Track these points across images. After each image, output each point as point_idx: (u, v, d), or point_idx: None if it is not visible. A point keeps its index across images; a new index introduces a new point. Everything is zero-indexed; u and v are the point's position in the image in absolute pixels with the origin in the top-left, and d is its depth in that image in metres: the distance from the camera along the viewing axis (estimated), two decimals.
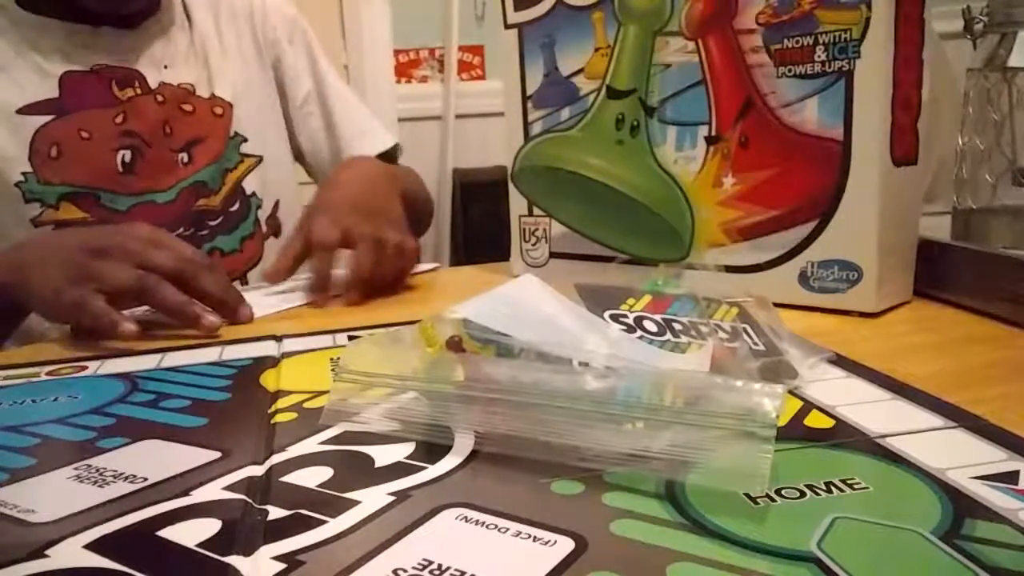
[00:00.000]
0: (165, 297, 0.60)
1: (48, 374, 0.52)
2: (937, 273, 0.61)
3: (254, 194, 0.94)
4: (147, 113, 0.86)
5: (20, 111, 0.81)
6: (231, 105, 0.92)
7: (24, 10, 0.83)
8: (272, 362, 0.52)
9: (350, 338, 0.57)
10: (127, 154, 0.84)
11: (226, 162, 0.91)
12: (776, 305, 0.49)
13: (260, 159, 0.94)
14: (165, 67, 0.89)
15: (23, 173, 0.80)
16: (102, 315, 0.58)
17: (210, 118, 0.91)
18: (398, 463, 0.35)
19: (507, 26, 0.74)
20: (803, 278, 0.60)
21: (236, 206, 0.92)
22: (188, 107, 0.89)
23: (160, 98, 0.87)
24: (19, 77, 0.81)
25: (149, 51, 0.88)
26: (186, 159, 0.88)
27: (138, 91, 0.86)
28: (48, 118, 0.81)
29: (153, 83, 0.87)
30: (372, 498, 0.32)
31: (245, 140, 0.93)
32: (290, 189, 1.00)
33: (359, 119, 1.05)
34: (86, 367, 0.53)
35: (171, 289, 0.61)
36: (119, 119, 0.84)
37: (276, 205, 0.96)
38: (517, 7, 0.73)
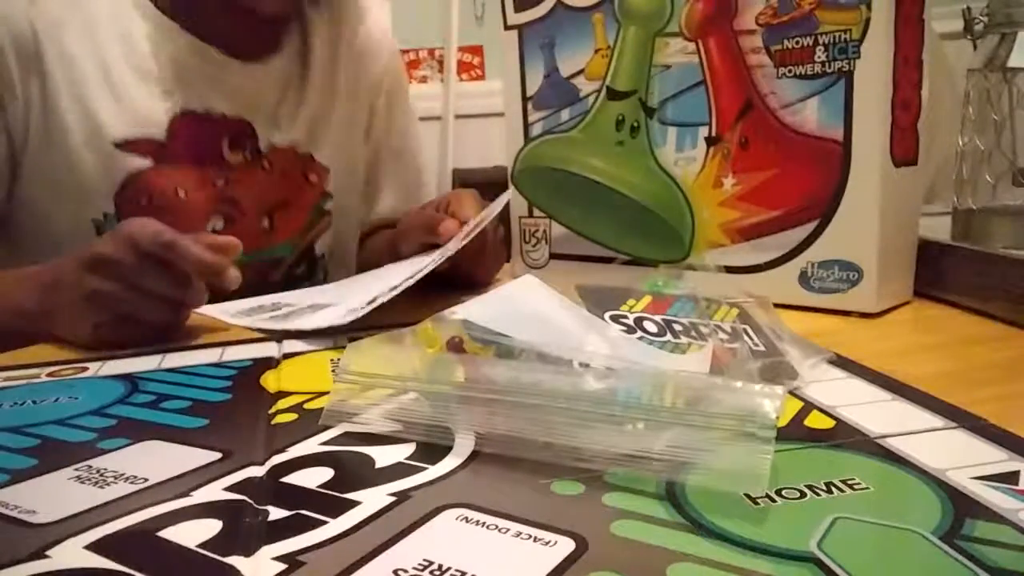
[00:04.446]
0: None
1: (49, 375, 0.52)
2: (937, 273, 0.61)
3: (323, 256, 0.89)
4: (251, 184, 0.80)
5: (119, 145, 0.73)
6: (327, 171, 0.87)
7: (157, 9, 0.75)
8: (273, 363, 0.52)
9: (350, 339, 0.57)
10: (219, 221, 0.79)
11: (306, 231, 0.86)
12: (776, 305, 0.49)
13: (331, 217, 0.89)
14: (276, 128, 0.83)
15: (105, 213, 0.74)
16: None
17: (302, 184, 0.85)
18: (398, 464, 0.35)
19: (507, 27, 0.74)
20: (803, 278, 0.60)
21: (302, 268, 0.87)
22: (286, 169, 0.84)
23: (267, 164, 0.82)
24: (129, 105, 0.74)
25: (266, 103, 0.82)
26: (267, 224, 0.83)
27: (247, 156, 0.80)
28: (146, 162, 0.74)
29: (263, 145, 0.81)
30: (372, 498, 0.32)
31: (330, 197, 0.88)
32: (350, 238, 0.94)
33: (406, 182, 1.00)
34: (87, 368, 0.53)
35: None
36: (221, 182, 0.78)
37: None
38: (517, 8, 0.73)
